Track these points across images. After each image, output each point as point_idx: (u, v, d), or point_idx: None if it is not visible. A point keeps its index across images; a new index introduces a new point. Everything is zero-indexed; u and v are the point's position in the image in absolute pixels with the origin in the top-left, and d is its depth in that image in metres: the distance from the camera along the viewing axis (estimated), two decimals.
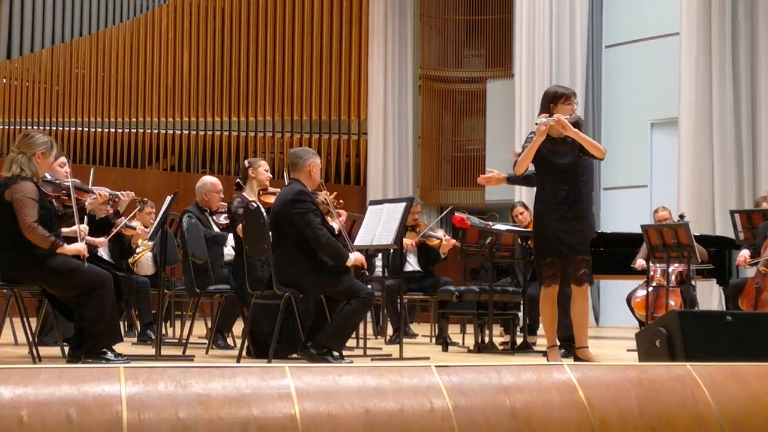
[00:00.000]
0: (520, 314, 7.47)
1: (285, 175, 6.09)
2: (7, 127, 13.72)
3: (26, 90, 14.15)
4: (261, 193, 6.53)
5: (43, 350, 6.12)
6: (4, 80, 14.05)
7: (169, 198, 5.69)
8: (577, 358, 5.60)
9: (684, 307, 7.78)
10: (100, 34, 14.67)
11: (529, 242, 7.08)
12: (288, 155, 6.10)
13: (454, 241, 8.70)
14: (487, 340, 7.14)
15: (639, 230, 7.66)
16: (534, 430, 2.78)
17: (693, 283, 8.06)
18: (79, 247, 5.11)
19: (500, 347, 7.30)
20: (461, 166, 15.79)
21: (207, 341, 6.88)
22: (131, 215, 7.10)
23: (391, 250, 7.77)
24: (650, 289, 7.75)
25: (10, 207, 5.04)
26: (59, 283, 5.15)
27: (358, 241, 6.29)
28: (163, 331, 7.87)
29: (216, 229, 7.35)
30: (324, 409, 2.56)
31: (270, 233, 5.65)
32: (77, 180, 5.77)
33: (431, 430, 2.65)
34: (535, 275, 6.96)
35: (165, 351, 6.09)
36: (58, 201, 5.54)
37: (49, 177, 5.52)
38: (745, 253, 7.49)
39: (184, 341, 6.79)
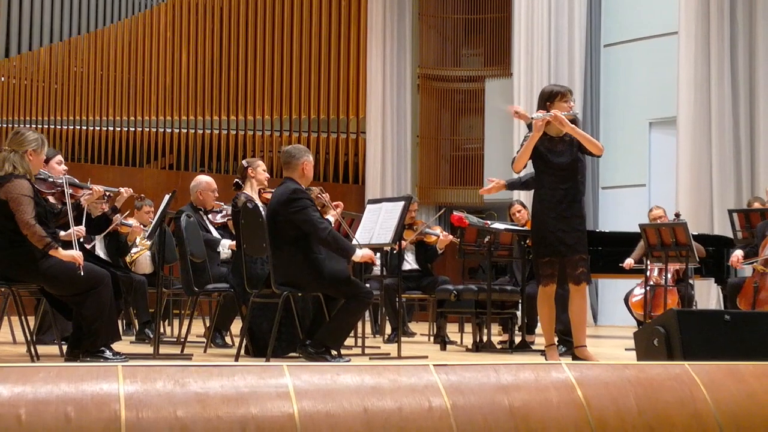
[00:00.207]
0: (519, 313, 7.47)
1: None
2: (5, 125, 13.71)
3: (24, 88, 14.14)
4: (261, 192, 6.53)
5: (42, 349, 6.12)
6: (2, 78, 14.04)
7: (167, 197, 5.69)
8: (575, 357, 5.60)
9: (681, 306, 7.79)
10: (98, 33, 14.66)
11: (527, 241, 7.08)
12: (281, 154, 6.08)
13: (451, 236, 8.72)
14: (485, 339, 7.14)
15: (637, 229, 7.66)
16: (532, 429, 2.78)
17: (691, 281, 8.06)
18: (74, 253, 5.06)
19: (498, 346, 7.30)
20: (460, 165, 15.79)
21: (205, 340, 6.88)
22: (126, 213, 7.09)
23: (389, 249, 7.78)
24: (647, 288, 7.75)
25: (6, 206, 5.03)
26: (57, 281, 5.14)
27: (356, 241, 6.28)
28: (162, 330, 7.88)
29: (211, 228, 7.35)
30: (322, 408, 2.56)
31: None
32: (71, 177, 5.77)
33: (429, 429, 2.65)
34: (534, 274, 6.97)
35: (163, 350, 6.09)
36: (54, 198, 5.54)
37: (42, 174, 5.52)
38: (738, 254, 7.47)
39: (182, 340, 6.79)
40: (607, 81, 13.63)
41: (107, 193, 5.93)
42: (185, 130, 14.77)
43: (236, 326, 7.21)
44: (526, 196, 9.16)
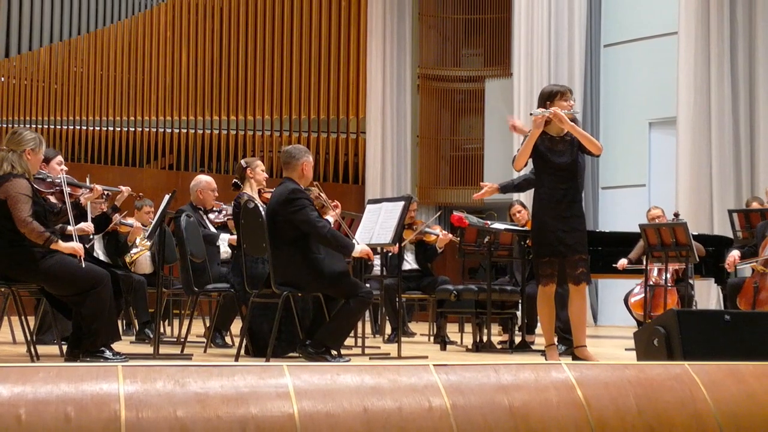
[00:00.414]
0: (519, 313, 7.47)
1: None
2: (5, 125, 13.70)
3: (24, 88, 14.14)
4: (260, 192, 6.53)
5: (42, 349, 6.12)
6: (2, 78, 14.04)
7: (167, 197, 5.69)
8: (575, 357, 5.60)
9: (681, 306, 7.78)
10: (98, 33, 14.66)
11: (527, 241, 7.08)
12: (281, 154, 6.08)
13: (450, 235, 8.73)
14: (485, 339, 7.14)
15: (637, 229, 7.66)
16: (532, 429, 2.78)
17: (690, 281, 8.06)
18: (74, 245, 5.09)
19: (498, 346, 7.30)
20: (459, 165, 15.79)
21: (205, 340, 6.88)
22: (125, 213, 7.09)
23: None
24: (647, 288, 7.75)
25: (4, 205, 5.03)
26: (57, 281, 5.14)
27: (360, 240, 6.28)
28: (162, 330, 7.88)
29: (211, 228, 7.35)
30: (322, 408, 2.56)
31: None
32: (69, 176, 5.77)
33: (429, 429, 2.65)
34: (534, 274, 6.97)
35: (163, 350, 6.08)
36: (54, 197, 5.54)
37: (41, 174, 5.52)
38: (735, 254, 7.43)
39: (182, 340, 6.78)
40: (606, 81, 13.62)
41: (107, 192, 5.94)
42: (185, 130, 14.77)
43: (236, 326, 7.20)
44: (526, 197, 9.15)
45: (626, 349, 7.08)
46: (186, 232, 6.23)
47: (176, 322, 8.87)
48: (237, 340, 6.76)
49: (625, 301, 8.70)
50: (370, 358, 6.24)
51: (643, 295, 7.89)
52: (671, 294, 7.89)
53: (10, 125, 13.63)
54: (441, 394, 2.72)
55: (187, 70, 14.91)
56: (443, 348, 7.45)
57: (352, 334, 6.64)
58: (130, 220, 7.88)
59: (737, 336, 4.45)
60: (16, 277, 5.21)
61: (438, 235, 8.82)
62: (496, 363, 2.94)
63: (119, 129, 14.47)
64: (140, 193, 8.01)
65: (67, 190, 5.47)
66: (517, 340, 7.30)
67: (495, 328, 7.86)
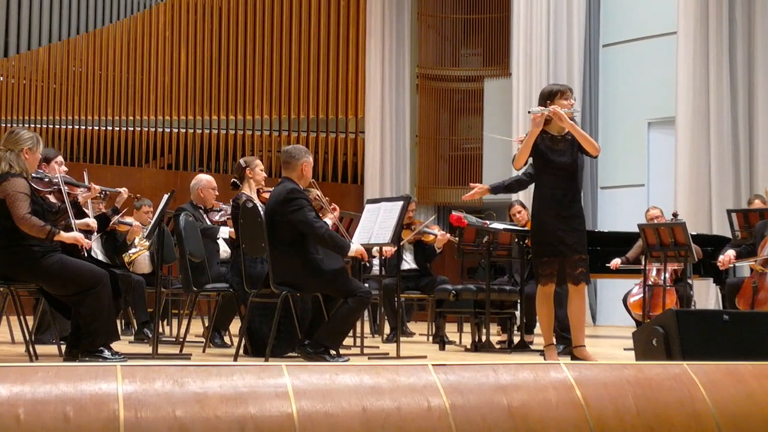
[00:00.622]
0: (518, 313, 7.47)
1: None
2: (4, 125, 13.69)
3: (23, 88, 14.14)
4: (259, 192, 6.53)
5: (40, 348, 6.12)
6: (1, 78, 14.03)
7: (166, 196, 5.69)
8: (574, 357, 5.60)
9: (680, 306, 7.78)
10: (97, 32, 14.66)
11: (526, 241, 7.08)
12: (281, 153, 6.08)
13: (448, 235, 8.73)
14: (484, 338, 7.14)
15: (636, 229, 7.66)
16: (531, 428, 2.78)
17: (689, 281, 8.06)
18: (75, 235, 5.12)
19: (497, 346, 7.30)
20: (458, 165, 15.79)
21: (204, 340, 6.88)
22: (124, 211, 7.09)
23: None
24: (646, 288, 7.75)
25: (3, 204, 5.04)
26: (56, 281, 5.14)
27: (355, 241, 6.28)
28: (160, 330, 7.87)
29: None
30: (321, 408, 2.56)
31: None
32: (66, 176, 5.78)
33: (428, 429, 2.65)
34: (533, 274, 6.97)
35: (162, 349, 6.09)
36: (53, 197, 5.54)
37: (38, 173, 5.52)
38: (730, 254, 7.42)
39: (181, 340, 6.78)
40: (605, 81, 13.63)
41: (104, 192, 5.94)
42: (184, 130, 14.77)
43: (235, 326, 7.20)
44: (525, 197, 9.16)
45: (625, 349, 7.09)
46: (185, 231, 6.23)
47: (175, 322, 8.87)
48: (236, 340, 6.76)
49: (624, 301, 8.70)
50: (368, 358, 6.24)
51: (642, 294, 7.89)
52: (670, 294, 7.89)
53: (9, 125, 13.62)
54: (440, 393, 2.72)
55: (186, 69, 14.90)
56: (442, 348, 7.45)
57: (350, 333, 6.64)
58: (128, 219, 7.88)
59: (736, 336, 4.46)
60: (15, 276, 5.21)
61: (436, 235, 8.82)
62: (495, 363, 2.94)
63: (118, 128, 14.47)
64: (138, 194, 8.02)
65: (65, 189, 5.47)
66: (516, 339, 7.30)
67: (494, 328, 7.87)
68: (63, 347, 5.48)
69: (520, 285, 7.23)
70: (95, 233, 6.54)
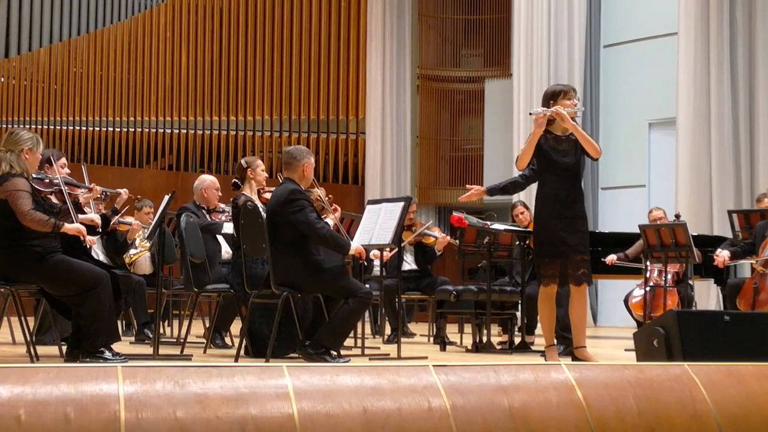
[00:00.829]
0: (518, 314, 7.46)
1: (280, 178, 6.07)
2: (5, 125, 13.70)
3: (24, 89, 14.14)
4: (259, 192, 6.53)
5: (41, 349, 6.12)
6: (2, 79, 14.04)
7: (166, 197, 5.69)
8: (575, 358, 5.60)
9: (681, 307, 7.78)
10: (98, 33, 14.66)
11: (527, 242, 7.08)
12: (283, 154, 6.08)
13: (449, 238, 8.72)
14: (484, 339, 7.14)
15: (637, 230, 7.66)
16: (532, 429, 2.78)
17: (691, 282, 8.06)
18: (78, 226, 5.13)
19: (498, 347, 7.30)
20: (459, 166, 15.80)
21: (205, 340, 6.88)
22: (123, 210, 7.10)
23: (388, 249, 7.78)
24: (647, 289, 7.75)
25: (4, 205, 5.04)
26: (57, 281, 5.14)
27: (355, 241, 6.29)
28: (161, 331, 7.87)
29: None
30: (322, 409, 2.56)
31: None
32: (66, 176, 5.78)
33: (429, 430, 2.65)
34: (534, 275, 6.96)
35: (163, 350, 6.09)
36: (55, 197, 5.55)
37: (39, 174, 5.52)
38: (725, 255, 7.41)
39: (182, 340, 6.78)
40: (606, 82, 13.63)
41: (105, 192, 5.94)
42: (185, 131, 14.77)
43: (236, 327, 7.20)
44: (528, 197, 9.15)
45: (626, 350, 7.08)
46: (185, 232, 6.23)
47: (176, 323, 8.87)
48: (237, 341, 6.75)
49: (626, 301, 8.70)
50: (369, 359, 6.24)
51: (643, 295, 7.89)
52: (672, 295, 7.89)
53: (9, 125, 13.63)
54: (440, 394, 2.72)
55: (187, 70, 14.91)
56: (443, 348, 7.44)
57: (351, 334, 6.65)
58: (128, 218, 7.88)
59: (737, 337, 4.45)
60: (16, 277, 5.21)
61: (437, 237, 8.81)
62: (496, 364, 2.94)
63: (119, 129, 14.47)
64: (138, 195, 8.02)
65: (65, 189, 5.48)
66: (517, 340, 7.30)
67: (495, 329, 7.86)
68: (64, 348, 5.48)
69: (521, 286, 7.22)
70: (97, 235, 6.55)
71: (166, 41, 14.88)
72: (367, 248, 6.13)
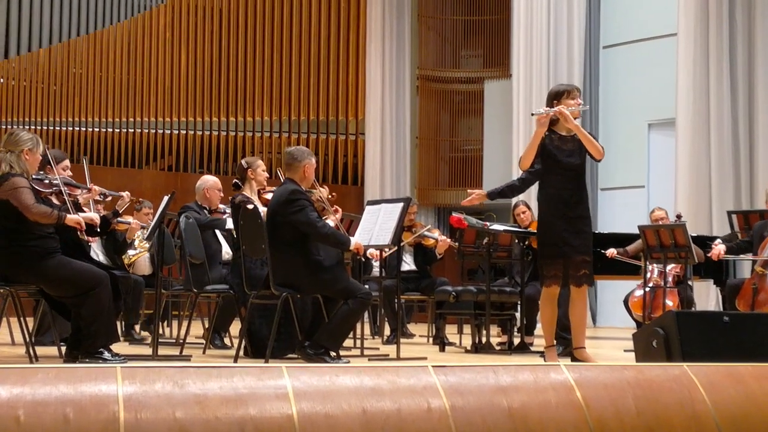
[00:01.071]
0: (518, 314, 7.46)
1: (280, 173, 6.08)
2: (4, 126, 13.70)
3: (24, 89, 14.14)
4: (260, 192, 6.53)
5: (40, 350, 6.11)
6: (2, 80, 14.04)
7: (166, 198, 5.69)
8: (574, 359, 5.59)
9: (681, 308, 7.78)
10: (97, 34, 14.66)
11: (526, 242, 7.08)
12: (283, 154, 6.08)
13: (449, 240, 8.71)
14: (484, 340, 7.14)
15: (636, 231, 7.66)
16: (531, 430, 2.78)
17: (690, 283, 8.06)
18: (76, 217, 5.14)
19: (497, 347, 7.30)
20: (459, 167, 15.80)
21: (204, 341, 6.88)
22: (122, 210, 7.10)
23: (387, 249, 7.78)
24: (647, 289, 7.75)
25: (5, 205, 5.04)
26: (56, 282, 5.15)
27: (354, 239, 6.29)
28: (161, 331, 7.87)
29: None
30: (321, 409, 2.56)
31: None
32: (66, 177, 5.79)
33: (428, 430, 2.65)
34: (533, 275, 6.96)
35: (162, 351, 6.09)
36: (55, 198, 5.55)
37: (38, 175, 5.53)
38: (721, 249, 7.44)
39: (181, 341, 6.78)
40: (606, 82, 13.63)
41: (105, 193, 5.94)
42: (184, 132, 14.77)
43: (235, 327, 7.20)
44: (527, 197, 9.13)
45: (625, 351, 7.08)
46: (185, 233, 6.23)
47: (175, 323, 8.86)
48: (236, 342, 6.75)
49: (626, 302, 8.70)
50: (369, 360, 6.24)
51: (643, 295, 7.89)
52: (672, 295, 7.89)
53: (9, 126, 13.62)
54: (440, 395, 2.72)
55: (187, 71, 14.91)
56: (442, 349, 7.44)
57: (351, 335, 6.65)
58: (127, 218, 7.87)
59: (736, 337, 4.46)
60: (15, 277, 5.21)
61: (437, 239, 8.80)
62: (495, 364, 2.94)
63: (119, 130, 14.46)
64: (140, 198, 8.02)
65: (65, 190, 5.48)
66: (516, 341, 7.30)
67: (494, 330, 7.86)
68: (63, 349, 5.48)
69: (520, 286, 7.22)
70: (96, 235, 6.54)
71: (166, 42, 14.88)
72: (366, 248, 6.13)
